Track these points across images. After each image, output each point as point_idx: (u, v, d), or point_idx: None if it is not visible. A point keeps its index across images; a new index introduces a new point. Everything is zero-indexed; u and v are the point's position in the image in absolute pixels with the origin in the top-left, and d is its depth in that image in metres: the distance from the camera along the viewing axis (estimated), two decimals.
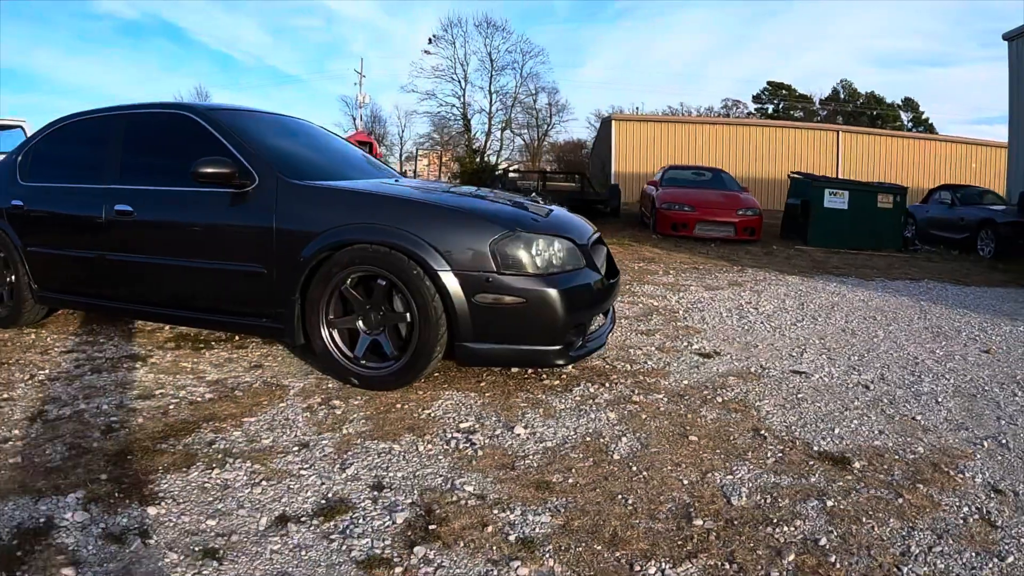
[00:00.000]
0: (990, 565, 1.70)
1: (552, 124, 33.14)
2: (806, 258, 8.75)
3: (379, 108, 40.26)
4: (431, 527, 1.67)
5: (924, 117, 49.61)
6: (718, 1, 67.69)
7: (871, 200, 10.11)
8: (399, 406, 2.49)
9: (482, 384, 2.79)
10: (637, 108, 33.21)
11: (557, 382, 2.89)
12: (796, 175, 11.23)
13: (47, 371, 2.86)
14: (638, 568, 1.58)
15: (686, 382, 3.07)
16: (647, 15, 69.12)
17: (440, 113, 31.58)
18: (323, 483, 1.88)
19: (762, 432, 2.52)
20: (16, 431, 2.19)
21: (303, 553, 1.54)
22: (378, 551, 1.56)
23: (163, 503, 1.74)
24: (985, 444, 2.53)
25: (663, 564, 1.60)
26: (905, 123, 51.22)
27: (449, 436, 2.25)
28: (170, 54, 60.55)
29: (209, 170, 2.70)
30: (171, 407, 2.41)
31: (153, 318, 3.43)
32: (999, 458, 2.38)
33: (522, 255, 2.49)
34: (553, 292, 2.49)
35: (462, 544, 1.61)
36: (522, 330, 2.50)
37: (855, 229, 10.04)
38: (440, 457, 2.10)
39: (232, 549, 1.54)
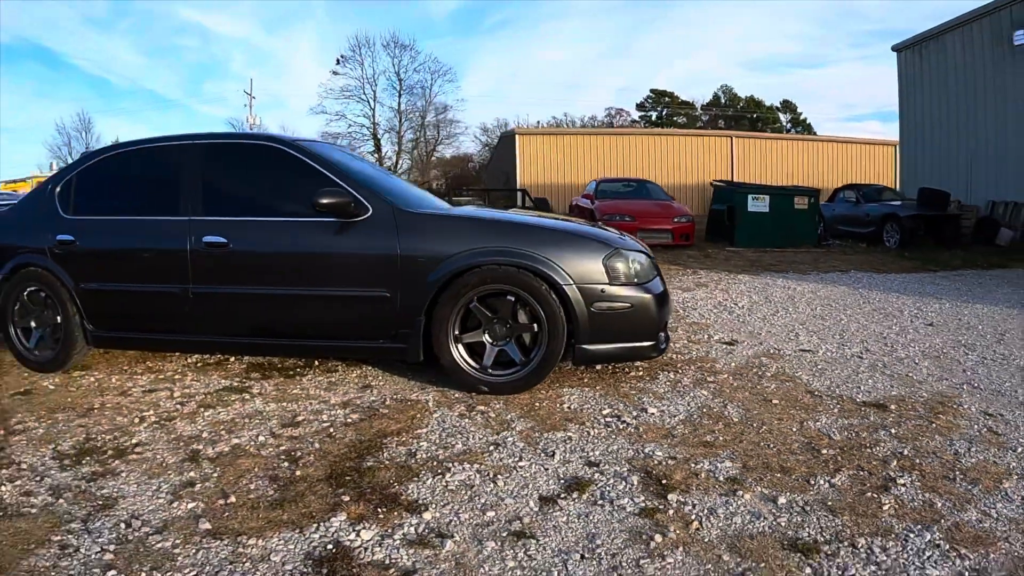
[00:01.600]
0: (1009, 455, 2.65)
1: (440, 139, 34.38)
2: (741, 258, 10.18)
3: (266, 130, 41.33)
4: (663, 481, 2.32)
5: (803, 118, 56.42)
6: (595, 11, 73.46)
7: (789, 202, 11.90)
8: (538, 405, 3.09)
9: (584, 381, 3.45)
10: (521, 120, 35.40)
11: (642, 374, 3.62)
12: (719, 183, 12.89)
13: (153, 412, 3.08)
14: (812, 482, 2.35)
15: (733, 364, 3.93)
16: (526, 26, 73.49)
17: (350, 134, 32.66)
18: (547, 468, 2.42)
19: (815, 393, 3.41)
20: (191, 473, 2.43)
21: (590, 518, 2.08)
22: (643, 504, 2.18)
23: (430, 508, 2.11)
24: (964, 388, 3.59)
25: (825, 477, 2.38)
26: (784, 124, 57.90)
27: (604, 421, 2.90)
28: (45, 79, 60.65)
29: (329, 201, 3.13)
30: (331, 430, 2.81)
31: (244, 349, 3.68)
32: (978, 395, 3.44)
33: (624, 268, 3.22)
34: (649, 297, 3.25)
35: (695, 488, 2.28)
36: (628, 331, 3.23)
37: (776, 229, 11.75)
38: (613, 436, 2.74)
39: (534, 527, 2.01)
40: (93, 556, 1.90)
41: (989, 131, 11.46)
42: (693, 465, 2.46)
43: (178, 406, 3.18)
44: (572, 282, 3.10)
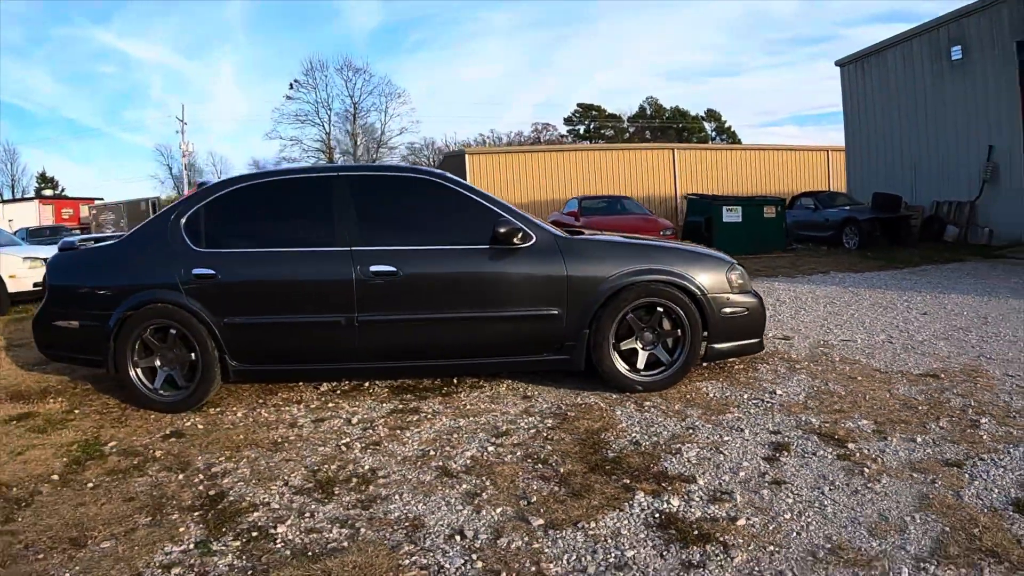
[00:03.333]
0: None
1: (373, 159, 35.03)
2: None
3: (195, 156, 41.78)
4: (835, 437, 3.32)
5: (727, 126, 60.53)
6: (514, 29, 76.54)
7: (759, 212, 13.47)
8: (690, 397, 3.99)
9: (705, 377, 4.42)
10: (449, 140, 36.96)
11: (744, 367, 4.63)
12: (692, 196, 14.34)
13: (349, 440, 3.49)
14: (927, 427, 3.42)
15: (804, 354, 5.02)
16: (446, 44, 75.97)
17: (306, 158, 33.37)
18: (748, 439, 3.27)
19: (881, 371, 4.54)
20: (463, 486, 2.96)
21: (810, 466, 3.04)
22: (836, 453, 3.15)
23: (697, 477, 2.93)
24: (981, 359, 4.82)
25: (932, 423, 3.46)
26: (710, 132, 61.81)
27: (753, 403, 3.87)
28: None
29: (506, 230, 3.87)
30: (543, 434, 3.45)
31: (407, 372, 4.15)
32: (995, 364, 4.66)
33: (738, 279, 4.25)
34: (758, 301, 4.30)
35: (859, 438, 3.27)
36: (745, 330, 4.24)
37: (749, 237, 13.27)
38: (770, 413, 3.68)
39: (779, 477, 2.89)
40: (470, 570, 2.24)
41: (931, 138, 13.51)
42: (845, 424, 3.48)
43: (367, 431, 3.59)
44: (706, 292, 4.08)
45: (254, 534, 2.54)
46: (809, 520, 2.52)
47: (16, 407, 4.24)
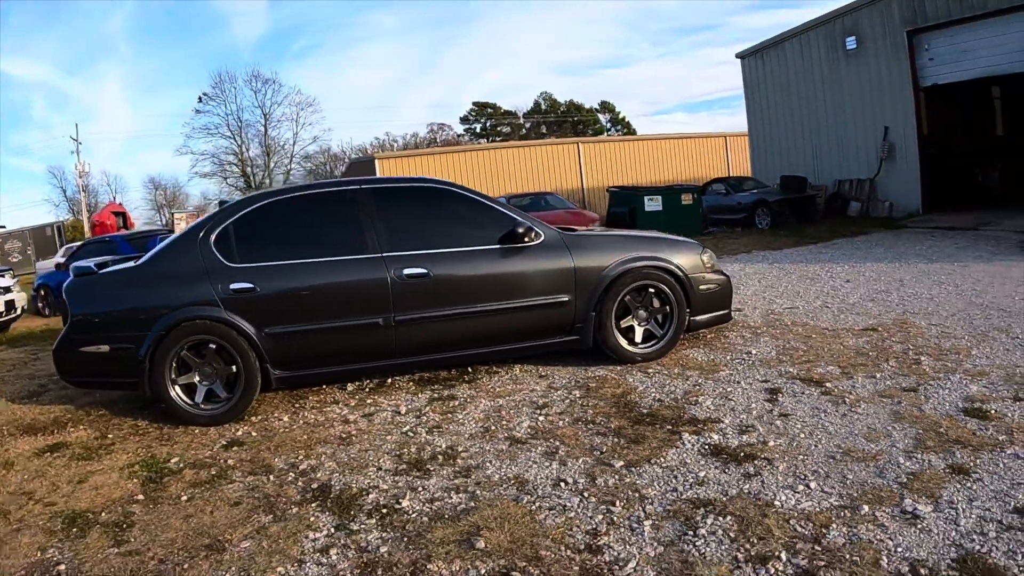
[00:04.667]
0: (964, 340, 4.92)
1: (270, 169, 34.70)
2: None
3: (89, 176, 40.44)
4: (813, 380, 4.20)
5: (621, 116, 63.29)
6: (401, 31, 77.03)
7: (677, 200, 14.73)
8: (684, 363, 4.79)
9: (687, 347, 5.24)
10: (345, 145, 37.41)
11: (713, 337, 5.49)
12: (614, 189, 15.45)
13: (411, 428, 4.02)
14: (880, 367, 4.37)
15: (760, 321, 5.97)
16: (333, 49, 75.52)
17: (221, 172, 32.91)
18: (746, 388, 4.12)
19: (829, 329, 5.54)
20: (535, 451, 3.66)
21: (803, 401, 3.85)
22: (820, 391, 4.01)
23: (722, 419, 3.73)
24: (907, 314, 5.97)
25: (883, 364, 4.43)
26: (604, 124, 64.39)
27: (737, 362, 4.72)
28: None
29: (522, 230, 4.55)
30: (579, 403, 4.12)
31: (441, 363, 4.68)
32: (920, 316, 5.84)
33: (709, 260, 5.12)
34: (726, 278, 5.19)
35: (831, 380, 4.17)
36: (717, 303, 5.12)
37: (669, 223, 14.36)
38: (755, 367, 4.54)
39: (785, 411, 3.71)
40: (589, 503, 2.86)
41: (830, 122, 15.28)
42: (817, 370, 4.38)
43: (422, 418, 4.10)
44: (687, 273, 4.90)
45: (384, 511, 2.96)
46: (819, 437, 3.34)
47: (39, 439, 4.36)
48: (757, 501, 2.73)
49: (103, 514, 3.24)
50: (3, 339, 9.58)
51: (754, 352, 4.93)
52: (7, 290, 10.44)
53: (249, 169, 33.07)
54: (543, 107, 64.29)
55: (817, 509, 2.65)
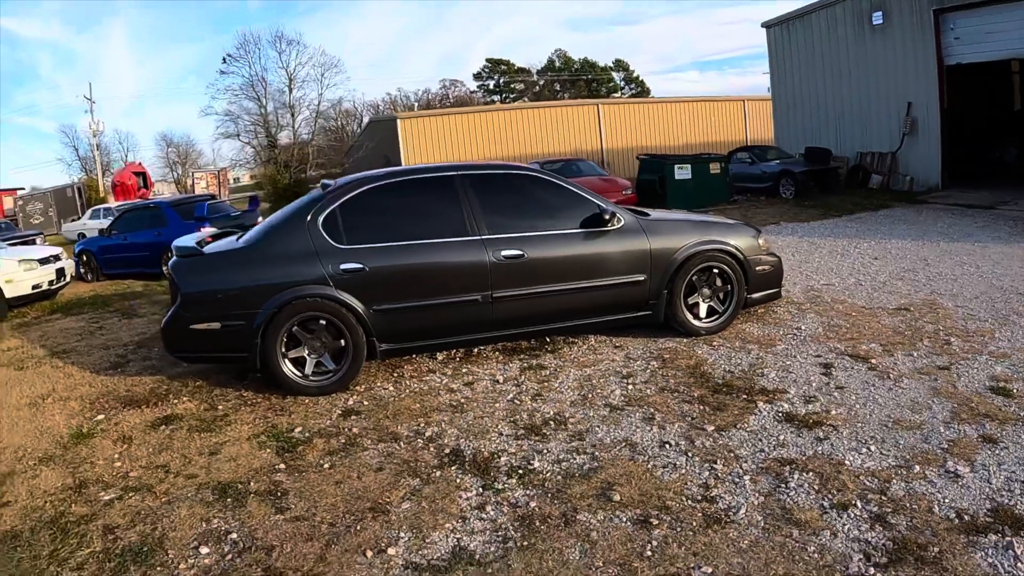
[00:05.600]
0: (988, 323, 5.53)
1: (281, 127, 34.92)
2: None
3: (101, 134, 40.90)
4: (860, 355, 4.83)
5: (635, 75, 62.79)
6: None
7: (706, 168, 15.18)
8: (743, 336, 5.42)
9: (739, 323, 5.86)
10: (357, 101, 37.63)
11: (763, 312, 6.10)
12: (644, 156, 15.88)
13: (516, 397, 4.66)
14: (917, 346, 5.00)
15: (803, 298, 6.57)
16: (338, 5, 74.50)
17: (245, 133, 33.96)
18: (802, 360, 4.75)
19: (865, 307, 6.15)
20: (635, 415, 4.30)
21: (855, 373, 4.49)
22: (869, 364, 4.66)
23: (789, 389, 4.38)
24: (935, 295, 6.58)
25: (920, 343, 5.06)
26: (619, 83, 63.88)
27: (790, 336, 5.34)
28: None
29: (608, 216, 5.10)
30: (660, 371, 4.78)
31: (530, 335, 5.22)
32: (946, 297, 6.44)
33: (763, 243, 5.71)
34: (778, 259, 5.78)
35: (876, 356, 4.80)
36: (770, 282, 5.72)
37: (698, 192, 14.98)
38: (807, 342, 5.16)
39: (840, 383, 4.37)
40: (696, 461, 3.78)
41: (853, 95, 15.60)
42: (861, 347, 5.00)
43: (521, 387, 4.61)
44: (746, 255, 5.49)
45: (520, 472, 3.43)
46: (872, 408, 3.98)
47: (145, 412, 4.64)
48: (831, 460, 3.38)
49: (251, 483, 3.51)
50: (54, 306, 9.59)
51: (803, 328, 5.56)
52: (56, 258, 10.36)
53: (274, 130, 33.35)
54: (557, 65, 63.74)
55: (879, 468, 3.30)
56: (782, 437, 3.66)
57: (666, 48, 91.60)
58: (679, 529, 2.86)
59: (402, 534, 2.98)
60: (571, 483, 3.32)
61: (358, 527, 3.05)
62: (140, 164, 32.60)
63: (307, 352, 4.70)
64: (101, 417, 4.64)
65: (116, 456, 4.02)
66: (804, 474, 3.27)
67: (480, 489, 3.31)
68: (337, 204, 4.82)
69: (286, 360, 4.64)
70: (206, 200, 13.02)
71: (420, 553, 2.84)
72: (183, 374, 5.41)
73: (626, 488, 3.24)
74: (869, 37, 14.85)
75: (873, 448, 3.50)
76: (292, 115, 32.36)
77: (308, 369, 4.70)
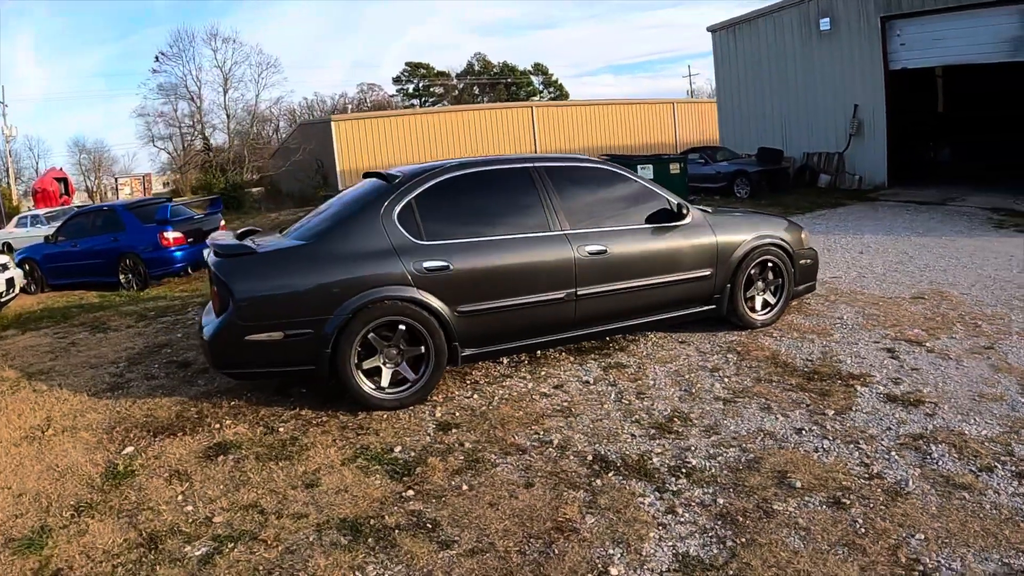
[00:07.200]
0: (999, 307, 6.27)
1: (196, 132, 33.77)
2: None
3: (13, 139, 38.07)
4: (909, 340, 5.38)
5: (554, 79, 64.04)
6: None
7: (666, 168, 15.87)
8: (794, 326, 5.88)
9: (786, 311, 6.34)
10: (272, 105, 36.98)
11: (800, 303, 6.61)
12: (606, 157, 16.39)
13: (611, 396, 4.78)
14: (952, 329, 5.61)
15: (824, 289, 7.14)
16: (252, 7, 72.71)
17: (178, 134, 32.09)
18: (858, 349, 5.22)
19: (884, 297, 6.78)
20: (750, 409, 4.64)
21: (910, 359, 5.00)
22: (926, 349, 5.18)
23: (874, 375, 4.80)
24: (937, 283, 7.32)
25: (953, 327, 5.70)
26: (537, 86, 64.98)
27: (839, 326, 5.85)
28: None
29: (681, 212, 5.35)
30: (740, 364, 5.11)
31: (609, 332, 5.28)
32: (948, 287, 7.23)
33: (806, 238, 6.20)
34: (816, 253, 6.31)
35: (926, 341, 5.36)
36: (810, 275, 6.24)
37: None
38: (857, 330, 5.68)
39: (913, 368, 4.84)
40: (830, 445, 4.07)
41: (800, 98, 16.74)
42: (907, 333, 5.57)
43: (615, 387, 4.67)
44: (794, 249, 5.97)
45: (683, 471, 3.50)
46: (954, 385, 4.49)
47: (186, 442, 4.17)
48: (951, 432, 3.83)
49: (386, 517, 3.20)
50: (4, 322, 8.80)
51: (845, 318, 6.09)
52: (4, 267, 9.72)
53: (208, 131, 32.16)
54: (477, 68, 64.20)
55: (994, 435, 3.78)
56: (897, 416, 4.09)
57: (582, 52, 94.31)
58: (872, 505, 3.17)
59: (612, 551, 2.92)
60: (742, 476, 3.45)
61: (555, 550, 2.91)
62: (61, 170, 30.77)
63: (383, 361, 4.41)
64: (131, 450, 4.11)
65: (180, 498, 3.51)
66: (938, 445, 3.69)
67: (657, 492, 3.33)
68: (412, 196, 4.57)
69: (360, 372, 4.33)
70: (167, 203, 12.48)
71: (646, 567, 2.82)
72: (206, 393, 4.98)
73: (800, 474, 3.43)
74: (816, 42, 16.03)
75: (978, 419, 3.98)
76: (227, 116, 31.28)
77: (385, 381, 4.42)
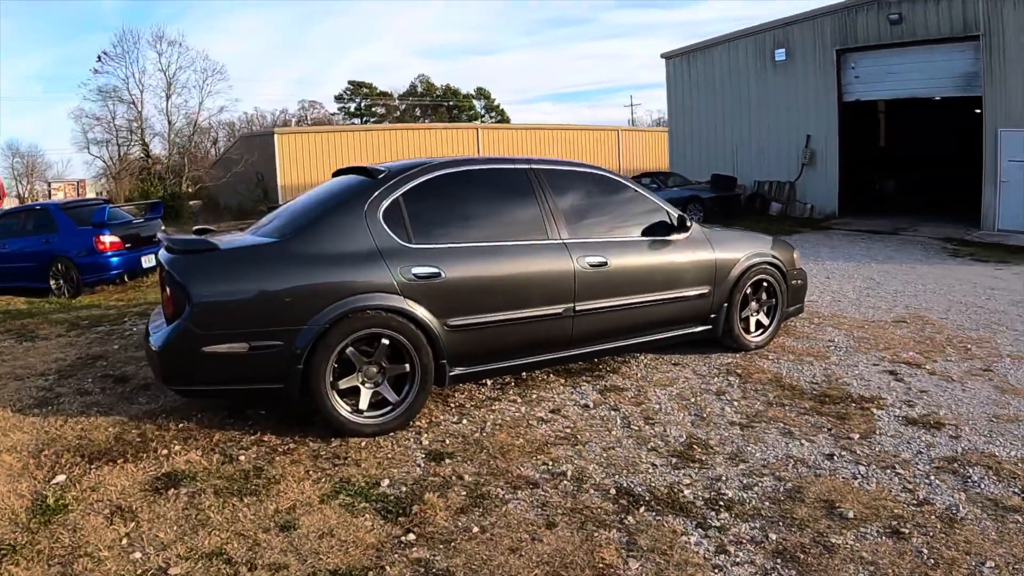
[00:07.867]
0: (981, 331, 6.37)
1: (133, 141, 32.49)
2: None
3: None
4: (905, 362, 5.33)
5: (496, 104, 64.57)
6: (266, 3, 73.98)
7: None
8: (787, 348, 5.78)
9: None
10: (213, 119, 36.13)
11: (787, 326, 6.53)
12: None
13: (616, 421, 4.47)
14: (945, 351, 5.62)
15: (806, 313, 7.11)
16: (199, 17, 71.33)
17: (118, 140, 30.95)
18: (858, 369, 5.15)
19: (868, 320, 6.81)
20: (757, 427, 4.43)
21: (912, 378, 4.94)
22: (922, 371, 5.14)
23: (887, 397, 4.67)
24: (913, 307, 7.42)
25: (948, 349, 5.73)
26: (479, 111, 65.38)
27: (833, 348, 5.78)
28: None
29: (682, 223, 5.11)
30: (742, 385, 4.88)
31: (603, 352, 4.91)
32: (924, 311, 7.30)
33: (799, 258, 6.14)
34: (805, 273, 6.23)
35: (920, 365, 5.33)
36: (799, 296, 6.16)
37: None
38: (851, 352, 5.62)
39: (919, 383, 4.83)
40: (857, 467, 4.05)
41: (753, 126, 17.15)
42: (903, 355, 5.54)
43: (617, 412, 4.35)
44: (787, 269, 5.88)
45: (721, 502, 3.23)
46: (968, 407, 4.43)
47: (130, 470, 3.52)
48: (983, 455, 3.73)
49: (387, 568, 2.72)
50: None
51: (836, 341, 6.03)
52: None
53: (148, 138, 30.88)
54: (419, 90, 64.16)
55: (1021, 455, 3.68)
56: (923, 439, 3.97)
57: (524, 79, 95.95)
58: (931, 534, 2.99)
59: None
60: (787, 507, 3.22)
61: None
62: None
63: (362, 380, 3.86)
64: (62, 478, 3.45)
65: (125, 541, 2.88)
66: (974, 468, 3.57)
67: (700, 529, 3.04)
68: (400, 193, 4.08)
69: (335, 392, 3.79)
70: (105, 204, 11.63)
71: None
72: (149, 413, 4.32)
73: (847, 503, 3.23)
74: (771, 72, 16.49)
75: (1002, 440, 3.91)
76: (169, 123, 30.06)
77: (363, 403, 3.88)
